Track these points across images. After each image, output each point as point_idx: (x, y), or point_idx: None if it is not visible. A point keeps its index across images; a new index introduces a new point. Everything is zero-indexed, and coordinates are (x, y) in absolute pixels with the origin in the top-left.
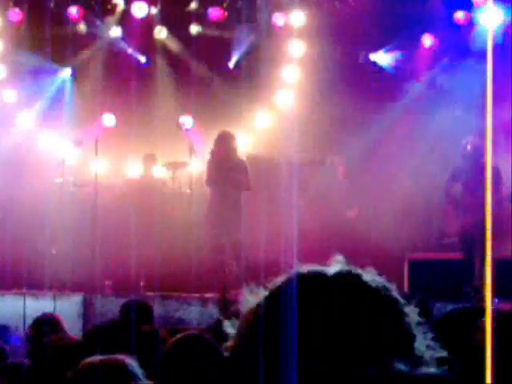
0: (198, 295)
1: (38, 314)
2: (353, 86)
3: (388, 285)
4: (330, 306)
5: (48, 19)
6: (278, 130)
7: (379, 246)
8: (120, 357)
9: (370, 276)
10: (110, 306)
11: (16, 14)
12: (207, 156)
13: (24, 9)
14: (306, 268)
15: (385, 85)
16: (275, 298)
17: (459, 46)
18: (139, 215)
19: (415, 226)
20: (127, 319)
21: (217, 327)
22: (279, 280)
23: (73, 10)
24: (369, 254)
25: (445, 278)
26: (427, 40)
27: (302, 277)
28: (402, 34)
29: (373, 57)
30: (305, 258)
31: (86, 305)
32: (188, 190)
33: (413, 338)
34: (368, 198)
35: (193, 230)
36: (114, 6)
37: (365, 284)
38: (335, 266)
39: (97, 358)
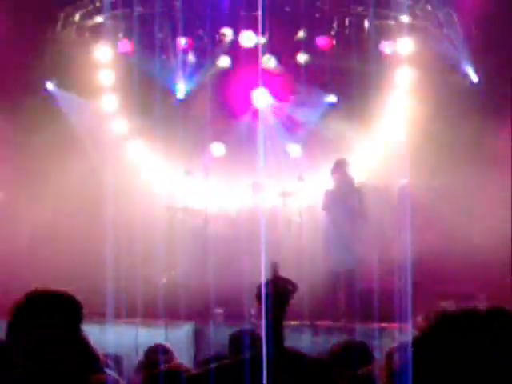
0: (308, 323)
1: (150, 343)
2: (464, 111)
3: None
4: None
5: (157, 49)
6: (388, 158)
7: None
8: None
9: None
10: (221, 335)
11: (125, 44)
12: (324, 183)
13: (133, 40)
14: (452, 308)
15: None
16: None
17: None
18: (250, 243)
19: None
20: (236, 350)
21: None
22: (426, 323)
23: (182, 41)
24: None
25: None
26: None
27: (451, 317)
28: None
29: None
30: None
31: (197, 334)
32: (298, 219)
33: None
34: None
35: (304, 258)
36: (223, 36)
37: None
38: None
39: None
